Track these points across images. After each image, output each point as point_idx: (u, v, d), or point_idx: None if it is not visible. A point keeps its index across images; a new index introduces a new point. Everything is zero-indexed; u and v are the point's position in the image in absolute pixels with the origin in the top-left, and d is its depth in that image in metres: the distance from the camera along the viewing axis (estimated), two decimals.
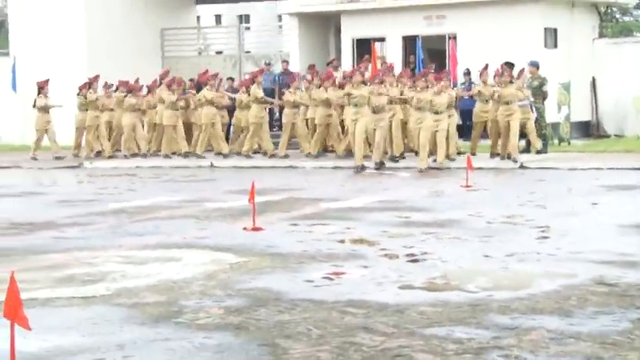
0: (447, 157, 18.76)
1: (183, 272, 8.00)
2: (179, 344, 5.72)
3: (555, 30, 24.42)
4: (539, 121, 20.25)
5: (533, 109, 19.60)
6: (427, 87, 18.53)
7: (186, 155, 21.39)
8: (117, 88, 23.19)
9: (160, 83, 22.72)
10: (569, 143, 22.63)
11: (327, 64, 23.12)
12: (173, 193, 14.91)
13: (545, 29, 24.03)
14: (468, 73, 22.40)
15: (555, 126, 22.69)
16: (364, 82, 18.45)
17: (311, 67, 22.13)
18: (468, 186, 14.68)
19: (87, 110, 22.80)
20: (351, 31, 25.69)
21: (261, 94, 20.91)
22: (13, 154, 24.03)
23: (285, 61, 25.41)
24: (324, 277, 7.68)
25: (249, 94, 21.13)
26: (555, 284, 7.26)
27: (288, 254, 8.83)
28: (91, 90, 22.85)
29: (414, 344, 5.62)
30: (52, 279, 7.78)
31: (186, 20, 30.71)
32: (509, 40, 23.12)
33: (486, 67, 19.92)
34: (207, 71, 23.10)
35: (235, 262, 8.46)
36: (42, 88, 22.97)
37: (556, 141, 22.45)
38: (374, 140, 18.28)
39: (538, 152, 19.84)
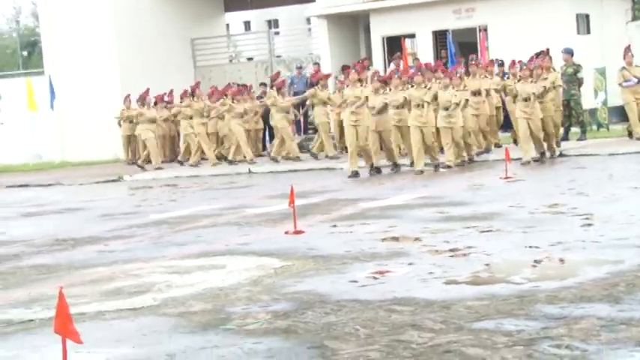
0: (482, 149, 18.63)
1: (228, 279, 8.03)
2: (229, 351, 5.73)
3: (587, 15, 24.25)
4: (575, 108, 20.13)
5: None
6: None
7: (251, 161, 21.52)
8: (155, 102, 23.50)
9: (192, 94, 22.74)
10: (608, 129, 22.42)
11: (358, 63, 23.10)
12: (213, 201, 14.98)
13: (577, 15, 23.89)
14: (501, 64, 22.29)
15: (593, 112, 22.51)
16: (361, 82, 17.42)
17: (345, 69, 22.10)
18: (507, 177, 14.61)
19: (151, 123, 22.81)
20: (381, 29, 25.69)
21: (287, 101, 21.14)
22: (54, 172, 24.25)
23: (317, 64, 25.45)
24: (369, 277, 7.68)
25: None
26: (602, 271, 7.20)
27: (331, 256, 8.84)
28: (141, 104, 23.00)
29: (463, 339, 5.60)
30: (99, 292, 7.85)
31: (216, 28, 30.87)
32: (541, 28, 23.02)
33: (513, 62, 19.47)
34: (278, 73, 23.44)
35: (279, 266, 8.48)
36: (144, 98, 23.12)
37: (594, 127, 22.28)
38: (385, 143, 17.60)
39: (578, 139, 19.80)
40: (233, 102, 21.59)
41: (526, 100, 16.82)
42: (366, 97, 17.05)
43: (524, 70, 17.42)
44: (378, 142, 17.43)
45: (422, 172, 16.57)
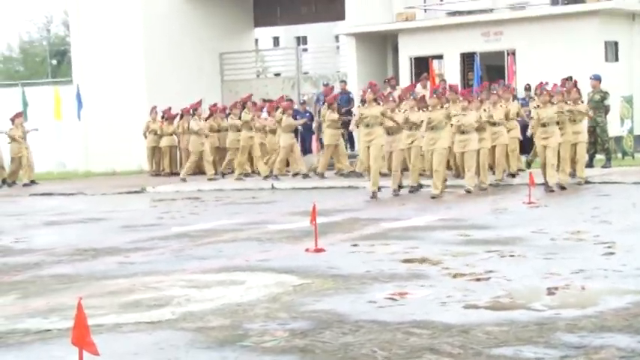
0: (509, 173, 18.54)
1: (247, 295, 8.02)
2: None
3: (616, 43, 24.18)
4: (601, 135, 20.04)
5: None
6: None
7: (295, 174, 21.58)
8: (181, 116, 23.65)
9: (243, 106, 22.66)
10: (633, 157, 22.32)
11: (385, 82, 23.04)
12: (235, 216, 14.98)
13: (606, 43, 23.81)
14: (528, 88, 22.21)
15: (619, 140, 22.41)
16: (377, 101, 17.20)
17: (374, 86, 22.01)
18: (530, 202, 14.55)
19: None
20: (409, 49, 25.72)
21: (335, 116, 20.98)
22: (78, 181, 24.36)
23: (343, 82, 25.48)
24: (388, 298, 7.65)
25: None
26: (623, 301, 7.14)
27: (351, 275, 8.81)
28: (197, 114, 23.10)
29: None
30: (118, 304, 7.85)
31: (245, 43, 30.99)
32: (569, 54, 22.96)
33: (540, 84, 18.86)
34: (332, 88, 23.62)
35: (299, 284, 8.46)
36: (195, 109, 23.20)
37: (620, 155, 22.18)
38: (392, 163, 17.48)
39: (603, 166, 19.61)
40: (284, 115, 21.40)
41: (544, 125, 16.68)
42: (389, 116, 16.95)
43: (543, 96, 17.11)
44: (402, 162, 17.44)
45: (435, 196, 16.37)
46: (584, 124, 18.01)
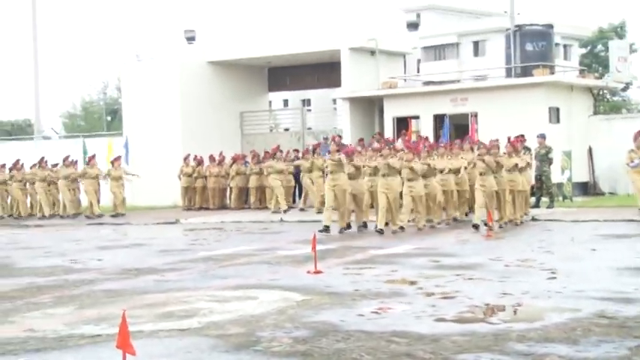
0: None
1: (259, 308, 7.95)
2: None
3: (558, 109, 24.25)
4: (545, 182, 20.04)
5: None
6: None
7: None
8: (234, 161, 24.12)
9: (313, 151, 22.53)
10: (571, 200, 22.30)
11: (372, 137, 22.99)
12: (250, 243, 14.91)
13: (550, 108, 23.88)
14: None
15: (560, 186, 22.40)
16: (339, 152, 16.28)
17: (360, 141, 22.13)
18: (488, 235, 14.49)
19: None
20: (392, 110, 25.77)
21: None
22: (126, 213, 24.28)
23: (339, 136, 25.47)
24: (373, 312, 7.58)
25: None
26: (564, 317, 7.08)
27: (343, 293, 8.75)
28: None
29: None
30: (154, 315, 7.79)
31: (261, 104, 31.07)
32: (520, 116, 23.01)
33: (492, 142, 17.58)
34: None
35: (301, 299, 8.40)
36: (274, 153, 22.89)
37: (561, 198, 22.15)
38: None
39: (547, 207, 19.46)
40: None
41: (481, 174, 15.93)
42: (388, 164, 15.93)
43: (481, 149, 16.59)
44: (352, 202, 16.39)
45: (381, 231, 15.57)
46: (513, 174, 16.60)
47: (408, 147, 16.90)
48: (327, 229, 15.95)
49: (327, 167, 16.55)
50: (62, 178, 23.97)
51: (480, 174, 16.03)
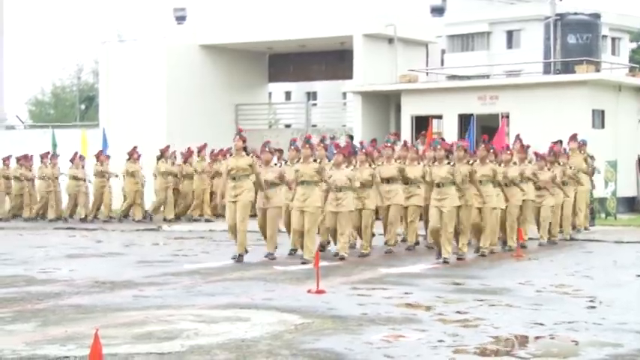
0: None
1: (251, 331, 7.99)
2: None
3: (603, 111, 24.28)
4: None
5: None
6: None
7: None
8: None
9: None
10: (615, 217, 22.31)
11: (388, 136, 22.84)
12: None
13: (593, 110, 23.91)
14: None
15: (602, 201, 22.42)
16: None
17: (373, 141, 22.05)
18: (518, 255, 14.52)
19: None
20: (410, 108, 25.84)
21: None
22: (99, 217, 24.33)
23: (349, 135, 25.55)
24: (383, 340, 7.61)
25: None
26: (602, 353, 7.10)
27: (349, 317, 8.78)
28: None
29: None
30: (131, 335, 7.82)
31: (259, 96, 31.15)
32: (559, 119, 23.04)
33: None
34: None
35: (300, 323, 8.43)
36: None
37: (603, 215, 22.17)
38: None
39: (585, 229, 19.29)
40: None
41: (506, 185, 15.36)
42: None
43: (505, 155, 15.92)
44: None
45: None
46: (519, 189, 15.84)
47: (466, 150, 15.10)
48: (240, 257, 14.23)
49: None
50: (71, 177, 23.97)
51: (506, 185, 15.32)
